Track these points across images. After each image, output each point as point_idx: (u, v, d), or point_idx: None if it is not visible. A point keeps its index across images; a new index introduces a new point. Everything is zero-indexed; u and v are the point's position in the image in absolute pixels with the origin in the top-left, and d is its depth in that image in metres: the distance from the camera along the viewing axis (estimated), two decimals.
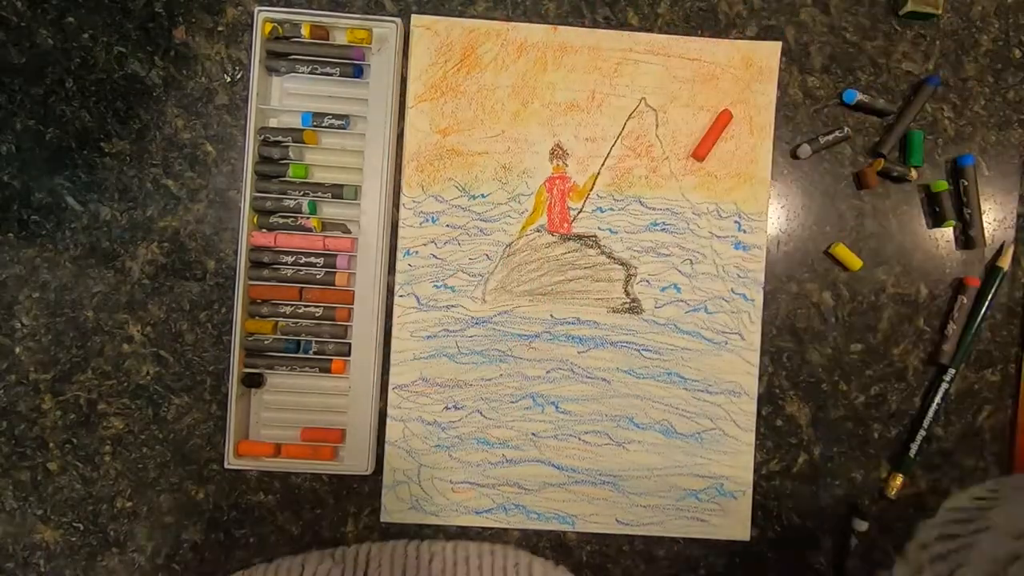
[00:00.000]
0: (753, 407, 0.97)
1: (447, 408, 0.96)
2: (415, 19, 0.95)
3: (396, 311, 0.96)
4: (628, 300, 0.96)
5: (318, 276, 0.94)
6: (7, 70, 0.94)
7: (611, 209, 0.96)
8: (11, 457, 0.95)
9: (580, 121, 0.96)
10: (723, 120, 0.96)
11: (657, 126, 0.96)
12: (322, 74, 0.93)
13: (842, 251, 0.96)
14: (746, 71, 0.96)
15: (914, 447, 0.96)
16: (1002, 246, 0.98)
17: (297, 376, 0.96)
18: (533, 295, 0.96)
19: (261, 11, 0.91)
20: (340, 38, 0.94)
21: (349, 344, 0.94)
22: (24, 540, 0.95)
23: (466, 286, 0.96)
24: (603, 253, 0.96)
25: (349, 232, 0.95)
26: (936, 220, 0.97)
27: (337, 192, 0.93)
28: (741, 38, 0.97)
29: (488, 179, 0.96)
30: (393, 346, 0.96)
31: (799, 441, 0.97)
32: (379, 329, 0.94)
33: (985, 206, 0.98)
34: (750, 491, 0.97)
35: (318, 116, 0.93)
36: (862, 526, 0.96)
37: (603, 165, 0.96)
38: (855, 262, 0.96)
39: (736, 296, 0.96)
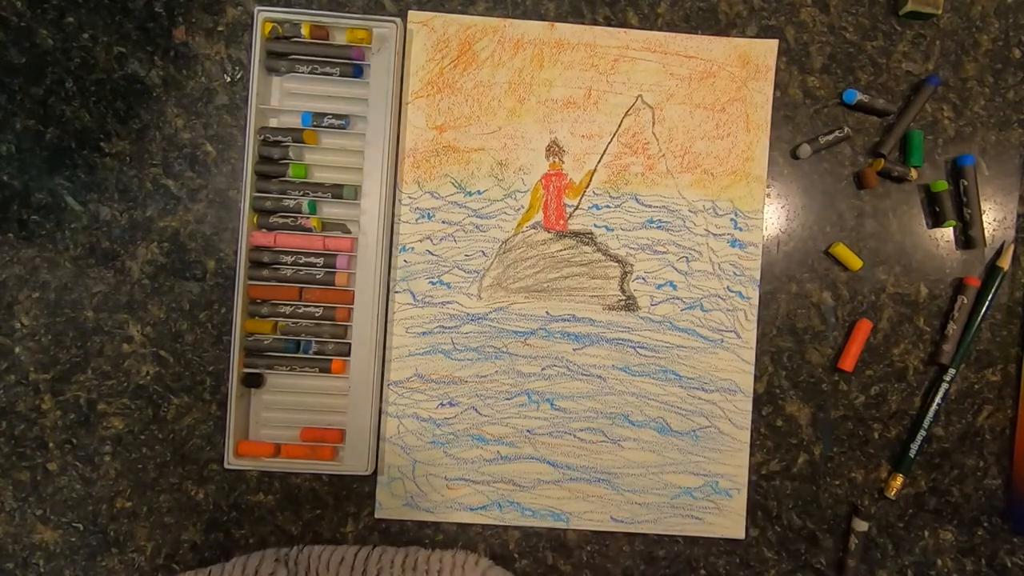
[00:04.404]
0: (749, 405, 0.97)
1: (442, 405, 0.96)
2: (412, 15, 0.96)
3: (391, 307, 0.96)
4: (624, 297, 0.96)
5: (318, 276, 0.94)
6: (7, 70, 0.94)
7: (607, 206, 0.96)
8: (11, 457, 0.95)
9: (576, 118, 0.96)
10: (864, 329, 0.97)
11: (653, 123, 0.96)
12: (322, 74, 0.94)
13: (842, 251, 0.96)
14: (743, 69, 0.96)
15: (914, 447, 0.96)
16: (1002, 246, 0.98)
17: (297, 376, 0.96)
18: (529, 292, 0.96)
19: (261, 11, 0.91)
20: (340, 38, 0.94)
21: (349, 344, 0.94)
22: (24, 540, 0.95)
23: (462, 282, 0.96)
24: (599, 250, 0.96)
25: (349, 232, 0.95)
26: (936, 220, 0.97)
27: (337, 192, 0.93)
28: (741, 37, 0.97)
29: (484, 176, 0.96)
30: (388, 342, 0.96)
31: (799, 441, 0.97)
32: (379, 329, 0.94)
33: (985, 206, 0.98)
34: (745, 489, 0.97)
35: (318, 116, 0.93)
36: (862, 526, 0.96)
37: (599, 162, 0.96)
38: (855, 262, 0.96)
39: (732, 294, 0.96)
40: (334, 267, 0.94)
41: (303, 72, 0.94)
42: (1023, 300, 0.98)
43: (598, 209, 0.96)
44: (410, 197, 0.96)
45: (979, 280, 0.97)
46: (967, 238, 0.97)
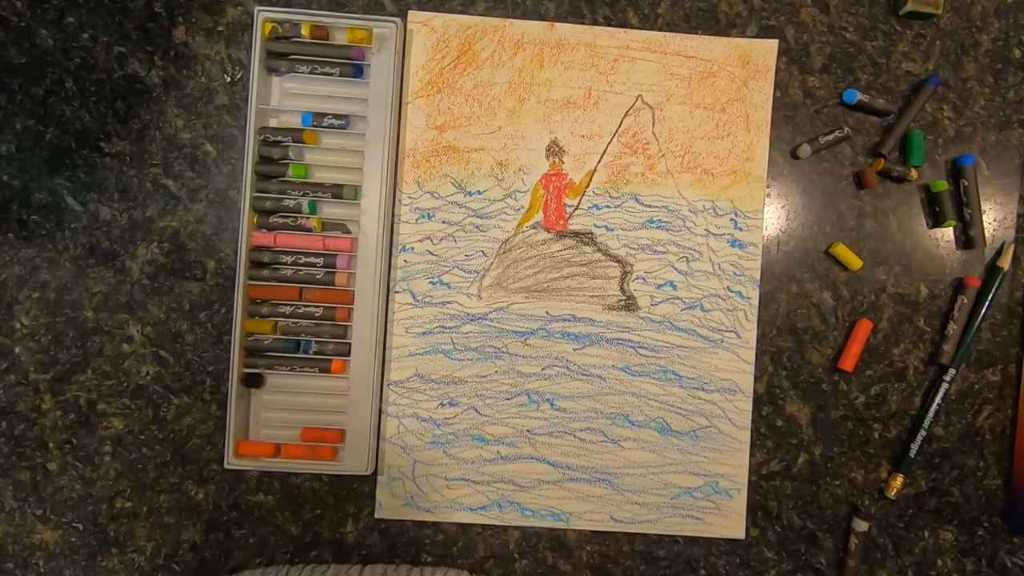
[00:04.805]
0: (749, 405, 0.97)
1: (442, 405, 0.96)
2: (412, 15, 0.96)
3: (391, 307, 0.96)
4: (624, 297, 0.96)
5: (318, 276, 0.94)
6: (7, 70, 0.94)
7: (607, 206, 0.96)
8: (11, 457, 0.95)
9: (577, 118, 0.96)
10: (864, 329, 0.97)
11: (653, 123, 0.96)
12: (322, 74, 0.94)
13: (842, 251, 0.96)
14: (743, 69, 0.96)
15: (914, 447, 0.96)
16: (1002, 246, 0.98)
17: (297, 376, 0.95)
18: (529, 292, 0.96)
19: (261, 11, 0.91)
20: (340, 38, 0.94)
21: (349, 344, 0.94)
22: (24, 540, 0.95)
23: (462, 282, 0.96)
24: (599, 250, 0.96)
25: (349, 232, 0.95)
26: (936, 220, 0.97)
27: (337, 192, 0.93)
28: (741, 37, 0.97)
29: (484, 176, 0.96)
30: (388, 342, 0.96)
31: (799, 441, 0.97)
32: (379, 329, 0.94)
33: (985, 206, 0.98)
34: (745, 489, 0.97)
35: (318, 116, 0.93)
36: (862, 526, 0.96)
37: (599, 162, 0.96)
38: (855, 262, 0.96)
39: (732, 294, 0.96)
40: (334, 267, 0.94)
41: (303, 72, 0.94)
42: (1023, 300, 0.98)
43: (598, 209, 0.96)
44: (410, 197, 0.96)
45: (979, 280, 0.97)
46: (967, 238, 0.97)
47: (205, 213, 0.95)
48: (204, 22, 0.95)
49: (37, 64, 0.94)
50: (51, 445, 0.95)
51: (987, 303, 0.96)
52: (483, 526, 0.96)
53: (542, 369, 0.96)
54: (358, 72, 0.93)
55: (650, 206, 0.96)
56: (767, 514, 0.97)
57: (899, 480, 0.96)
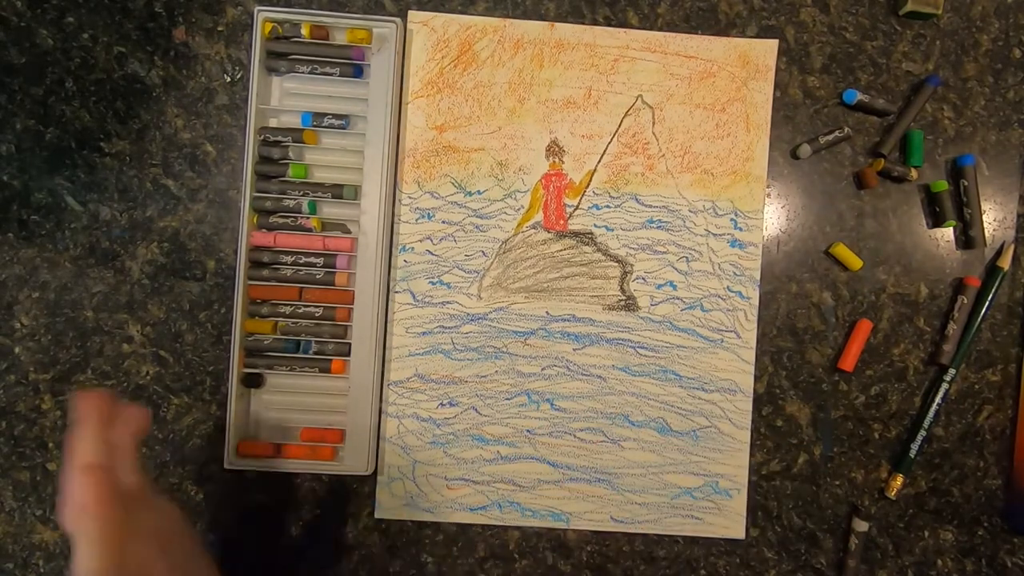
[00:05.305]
0: (749, 405, 0.97)
1: (442, 405, 0.96)
2: (412, 15, 0.96)
3: (391, 307, 0.96)
4: (624, 297, 0.96)
5: (318, 276, 0.94)
6: (7, 70, 0.94)
7: (607, 206, 0.96)
8: (11, 457, 0.95)
9: (577, 118, 0.96)
10: (864, 329, 0.97)
11: (654, 123, 0.96)
12: (322, 74, 0.93)
13: (842, 251, 0.96)
14: (743, 69, 0.96)
15: (914, 447, 0.96)
16: (1002, 246, 0.98)
17: (297, 376, 0.95)
18: (529, 292, 0.96)
19: (261, 11, 0.91)
20: (340, 38, 0.94)
21: (349, 344, 0.94)
22: (23, 540, 0.95)
23: (462, 282, 0.96)
24: (599, 250, 0.96)
25: (349, 232, 0.95)
26: (936, 220, 0.97)
27: (337, 192, 0.93)
28: (741, 37, 0.97)
29: (484, 176, 0.96)
30: (388, 342, 0.96)
31: (799, 441, 0.97)
32: (379, 329, 0.94)
33: (985, 206, 0.98)
34: (745, 489, 0.97)
35: (318, 116, 0.93)
36: (862, 526, 0.96)
37: (599, 162, 0.96)
38: (855, 262, 0.96)
39: (732, 294, 0.96)
40: (334, 267, 0.94)
41: (303, 72, 0.94)
42: (1023, 300, 0.98)
43: (598, 209, 0.96)
44: (410, 197, 0.96)
45: (979, 280, 0.97)
46: (967, 238, 0.97)
47: (205, 213, 0.95)
48: (204, 22, 0.95)
49: (37, 64, 0.94)
50: (51, 445, 0.95)
51: (987, 303, 0.96)
52: (483, 526, 0.96)
53: (542, 369, 0.96)
54: (358, 72, 0.93)
55: (650, 206, 0.96)
56: (767, 514, 0.97)
57: (899, 480, 0.96)
